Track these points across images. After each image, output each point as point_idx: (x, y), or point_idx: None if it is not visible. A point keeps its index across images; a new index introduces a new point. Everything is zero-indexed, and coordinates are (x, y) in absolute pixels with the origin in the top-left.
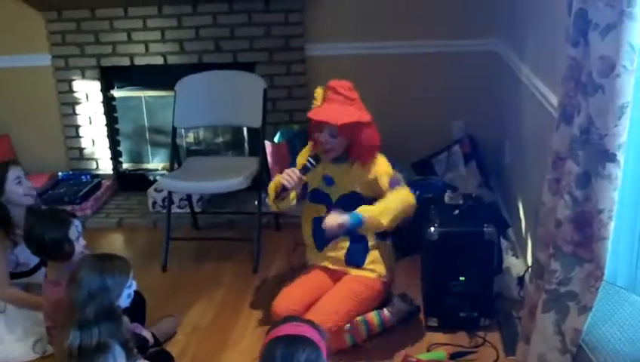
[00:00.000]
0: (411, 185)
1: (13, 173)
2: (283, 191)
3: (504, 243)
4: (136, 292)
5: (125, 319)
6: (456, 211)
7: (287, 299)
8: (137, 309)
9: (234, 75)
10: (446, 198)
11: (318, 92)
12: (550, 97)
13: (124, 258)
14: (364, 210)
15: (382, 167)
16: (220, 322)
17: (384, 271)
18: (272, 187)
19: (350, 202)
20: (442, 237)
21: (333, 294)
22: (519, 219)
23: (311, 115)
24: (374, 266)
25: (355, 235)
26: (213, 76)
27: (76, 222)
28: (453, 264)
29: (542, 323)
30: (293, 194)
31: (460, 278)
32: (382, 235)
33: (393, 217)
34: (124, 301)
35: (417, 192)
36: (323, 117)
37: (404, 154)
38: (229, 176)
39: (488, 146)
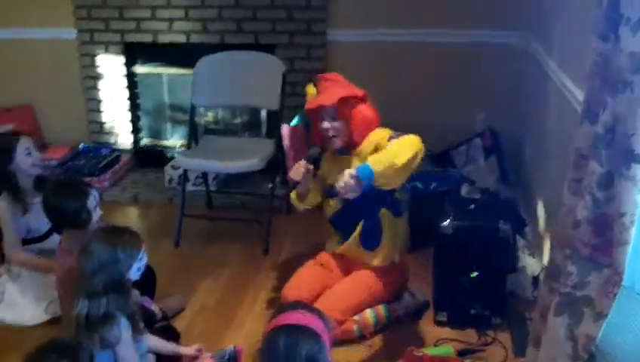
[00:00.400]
0: (428, 176)
1: (23, 144)
2: (297, 185)
3: (521, 241)
4: (147, 266)
5: (135, 292)
6: (472, 206)
7: (298, 285)
8: (147, 283)
9: (254, 57)
10: (463, 192)
11: (310, 87)
12: (577, 93)
13: (136, 232)
14: (370, 159)
15: (379, 134)
16: (227, 301)
17: (397, 257)
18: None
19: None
20: (456, 231)
21: (344, 284)
22: (537, 217)
23: (307, 105)
24: (387, 252)
25: (368, 213)
26: (233, 56)
27: (94, 192)
28: (466, 259)
29: (554, 326)
30: (314, 193)
31: (472, 274)
32: (397, 210)
33: (405, 158)
34: (134, 274)
35: (434, 184)
36: (318, 102)
37: (423, 145)
38: (245, 157)
39: (510, 141)
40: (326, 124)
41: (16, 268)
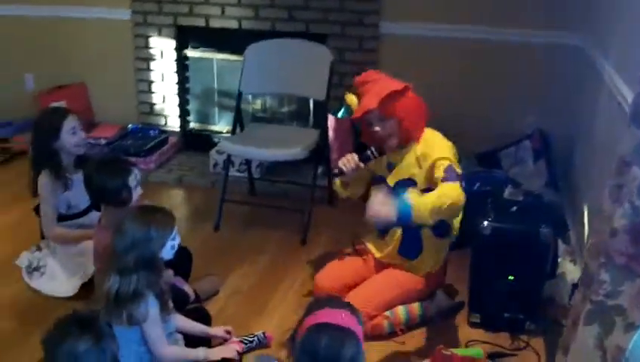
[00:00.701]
0: (471, 176)
1: (69, 122)
2: (341, 174)
3: (563, 247)
4: (183, 247)
5: (169, 272)
6: (514, 208)
7: (330, 277)
8: (183, 264)
9: (303, 45)
10: (506, 193)
11: (350, 97)
12: (630, 98)
13: (170, 211)
14: (414, 198)
15: (441, 150)
16: (261, 288)
17: (434, 269)
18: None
19: (405, 189)
20: (495, 232)
21: (378, 280)
22: (583, 224)
23: (353, 117)
24: (425, 263)
25: (438, 229)
26: (282, 44)
27: (135, 170)
28: (504, 262)
29: (583, 335)
30: (360, 183)
31: (509, 277)
32: (441, 231)
33: (440, 215)
34: (167, 253)
35: (478, 184)
36: (361, 109)
37: (469, 144)
38: (288, 146)
39: (560, 145)
40: (377, 128)
41: (53, 243)
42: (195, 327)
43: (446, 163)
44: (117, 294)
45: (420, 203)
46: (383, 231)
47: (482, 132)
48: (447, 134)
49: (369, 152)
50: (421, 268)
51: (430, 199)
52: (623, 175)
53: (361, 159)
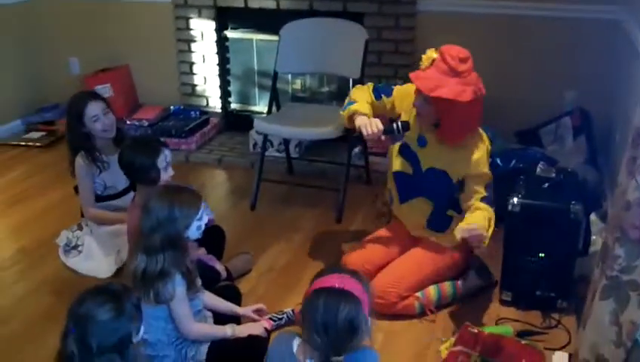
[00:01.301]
0: (509, 154)
1: (90, 110)
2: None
3: (599, 224)
4: (216, 226)
5: (202, 250)
6: (546, 184)
7: (360, 256)
8: (216, 243)
9: (337, 24)
10: (538, 170)
11: (428, 54)
12: None
13: (196, 191)
14: (478, 221)
15: (484, 162)
16: (293, 266)
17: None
18: (346, 112)
19: (436, 180)
20: (525, 209)
21: (408, 258)
22: None
23: (412, 75)
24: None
25: (439, 203)
26: (317, 23)
27: (166, 151)
28: (535, 239)
29: (598, 311)
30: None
31: (540, 255)
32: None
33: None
34: (193, 233)
35: (513, 161)
36: (419, 83)
37: (509, 121)
38: (321, 125)
39: (601, 122)
40: (418, 102)
41: (91, 223)
42: (223, 305)
43: (488, 179)
44: (144, 273)
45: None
46: (404, 197)
47: (521, 109)
48: (486, 111)
49: (395, 126)
50: (450, 240)
51: (484, 223)
52: (637, 147)
53: (385, 130)
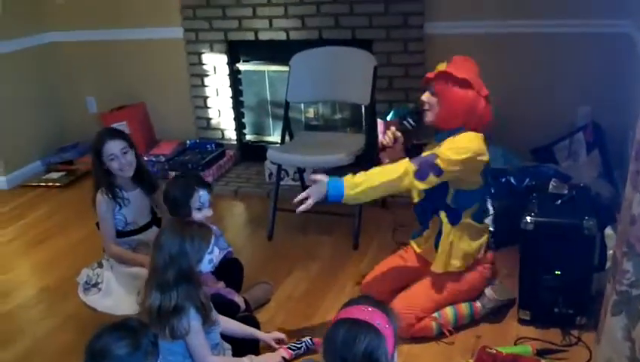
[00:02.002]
0: (521, 172)
1: (108, 148)
2: (383, 150)
3: (615, 238)
4: (234, 259)
5: (221, 283)
6: (559, 201)
7: (377, 280)
8: (234, 275)
9: (345, 52)
10: (550, 187)
11: (440, 65)
12: None
13: (206, 225)
14: (350, 182)
15: (451, 146)
16: (312, 294)
17: (460, 264)
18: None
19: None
20: (538, 227)
21: (425, 283)
22: None
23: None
24: (444, 260)
25: (450, 215)
26: (326, 52)
27: (201, 191)
28: (550, 256)
29: (611, 326)
30: None
31: (556, 272)
32: (453, 218)
33: (378, 189)
34: (205, 266)
35: (527, 180)
36: (432, 72)
37: (524, 140)
38: (332, 152)
39: (615, 136)
40: (426, 96)
41: (111, 261)
42: (244, 330)
43: (439, 151)
44: (159, 309)
45: (357, 177)
46: (424, 224)
47: (536, 127)
48: (501, 131)
49: (405, 122)
50: (441, 263)
51: (376, 176)
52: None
53: (398, 129)
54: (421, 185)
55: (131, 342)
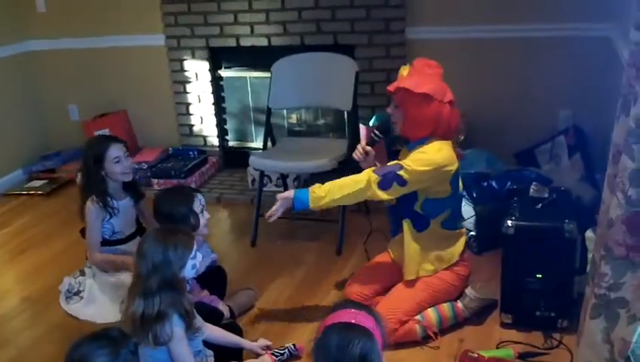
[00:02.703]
0: (503, 176)
1: (112, 151)
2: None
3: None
4: (218, 266)
5: (204, 292)
6: (539, 205)
7: (359, 283)
8: (218, 282)
9: (327, 58)
10: (531, 191)
11: (403, 69)
12: None
13: (188, 231)
14: (316, 191)
15: (416, 157)
16: (296, 300)
17: (429, 269)
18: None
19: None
20: (519, 231)
21: (403, 285)
22: None
23: (387, 88)
24: (412, 267)
25: (417, 221)
26: (307, 58)
27: (199, 196)
28: (531, 260)
29: (590, 329)
30: None
31: (537, 275)
32: (419, 224)
33: (340, 198)
34: (188, 272)
35: (509, 183)
36: (392, 85)
37: (508, 144)
38: (314, 158)
39: (597, 139)
40: (389, 109)
41: (93, 269)
42: (230, 339)
43: (404, 162)
44: (142, 316)
45: (322, 188)
46: (395, 229)
47: (518, 131)
48: (484, 135)
49: (373, 135)
50: (407, 270)
51: (340, 185)
52: (616, 164)
53: (367, 143)
54: (384, 195)
55: (110, 351)
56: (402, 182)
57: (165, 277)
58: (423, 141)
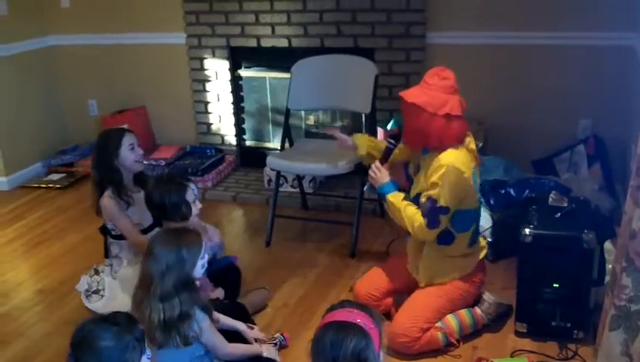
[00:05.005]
0: (521, 184)
1: (127, 139)
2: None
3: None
4: (233, 266)
5: (218, 290)
6: (558, 214)
7: (369, 283)
8: (232, 281)
9: (347, 60)
10: (550, 199)
11: None
12: None
13: (196, 230)
14: (397, 198)
15: (441, 174)
16: (308, 301)
17: (444, 279)
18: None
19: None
20: (536, 239)
21: (420, 294)
22: None
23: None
24: (428, 274)
25: (442, 235)
26: (327, 60)
27: (192, 185)
28: (548, 269)
29: (608, 341)
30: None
31: (554, 285)
32: (441, 237)
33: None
34: (198, 272)
35: (527, 191)
36: (403, 92)
37: (526, 151)
38: (330, 160)
39: (617, 149)
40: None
41: (115, 263)
42: (232, 323)
43: (433, 193)
44: (164, 320)
45: (395, 205)
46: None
47: (537, 139)
48: (502, 142)
49: (387, 143)
50: (423, 279)
51: (401, 213)
52: None
53: (383, 156)
54: (438, 230)
55: (114, 336)
56: (445, 210)
57: (180, 277)
58: (434, 150)
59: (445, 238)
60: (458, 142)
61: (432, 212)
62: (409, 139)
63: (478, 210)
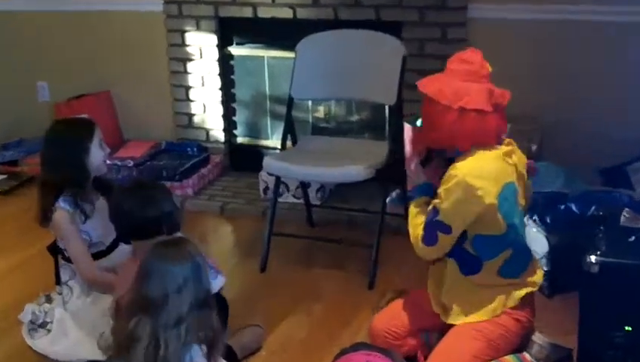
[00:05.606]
0: (585, 197)
1: (98, 134)
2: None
3: None
4: (218, 294)
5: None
6: (632, 237)
7: (390, 317)
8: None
9: (367, 37)
10: (622, 218)
11: None
12: None
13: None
14: (418, 207)
15: (448, 190)
16: (313, 343)
17: (471, 318)
18: None
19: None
20: (605, 269)
21: (452, 336)
22: None
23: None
24: (453, 311)
25: (466, 263)
26: (342, 36)
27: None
28: (619, 307)
29: None
30: None
31: (626, 328)
32: (467, 267)
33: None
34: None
35: (593, 208)
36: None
37: (591, 157)
38: (345, 164)
39: None
40: None
41: (65, 292)
42: None
43: (436, 203)
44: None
45: (410, 212)
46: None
47: (605, 141)
48: (562, 146)
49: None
50: (447, 315)
51: (409, 221)
52: None
53: (422, 163)
54: (435, 250)
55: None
56: (445, 229)
57: (197, 294)
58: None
59: (470, 266)
60: (479, 143)
61: (431, 225)
62: (423, 137)
63: (508, 236)
